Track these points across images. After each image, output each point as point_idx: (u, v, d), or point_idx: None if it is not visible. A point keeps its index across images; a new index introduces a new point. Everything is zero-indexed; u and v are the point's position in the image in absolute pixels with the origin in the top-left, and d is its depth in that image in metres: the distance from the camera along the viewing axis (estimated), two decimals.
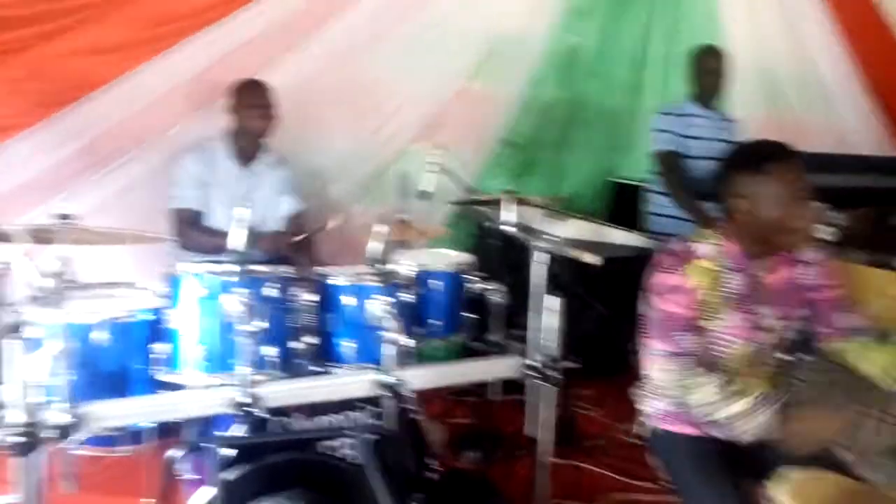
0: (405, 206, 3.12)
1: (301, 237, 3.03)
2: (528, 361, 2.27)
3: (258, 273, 2.01)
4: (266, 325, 1.93)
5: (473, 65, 4.10)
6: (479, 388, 3.05)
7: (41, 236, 1.85)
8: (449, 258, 2.74)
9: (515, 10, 4.13)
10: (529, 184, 4.44)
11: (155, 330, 2.05)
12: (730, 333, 1.89)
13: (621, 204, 4.42)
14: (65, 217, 1.83)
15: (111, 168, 3.30)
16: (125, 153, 3.32)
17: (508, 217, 2.48)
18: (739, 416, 1.76)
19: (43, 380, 1.76)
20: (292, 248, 3.06)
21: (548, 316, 2.24)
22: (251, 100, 3.08)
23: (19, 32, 3.04)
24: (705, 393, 1.81)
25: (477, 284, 2.59)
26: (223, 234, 3.01)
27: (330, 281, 2.22)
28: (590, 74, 4.48)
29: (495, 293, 2.58)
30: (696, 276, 1.87)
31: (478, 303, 2.62)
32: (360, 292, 2.17)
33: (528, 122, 4.39)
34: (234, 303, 1.89)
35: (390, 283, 2.12)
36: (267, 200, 3.21)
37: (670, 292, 1.88)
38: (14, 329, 1.83)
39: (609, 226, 2.86)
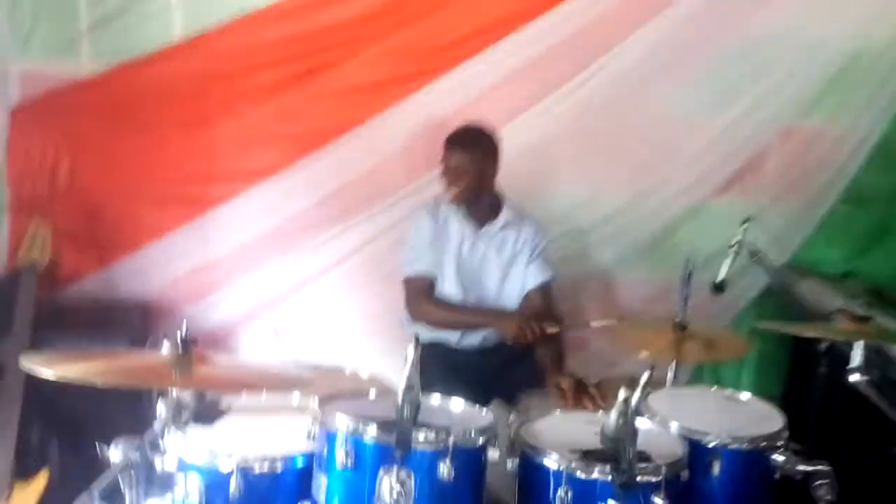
0: (688, 300, 2.25)
1: (554, 330, 2.38)
2: None
3: (426, 445, 1.38)
4: None
5: (810, 95, 3.05)
6: None
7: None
8: (743, 414, 1.77)
9: (883, 15, 2.96)
10: (877, 257, 3.22)
11: (305, 483, 1.55)
12: None
13: None
14: (186, 343, 1.41)
15: (356, 219, 2.98)
16: (372, 203, 2.97)
17: (860, 362, 1.54)
18: None
19: None
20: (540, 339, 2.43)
21: None
22: (446, 163, 2.52)
23: (272, 74, 2.86)
24: None
25: (789, 462, 1.65)
26: (461, 310, 2.55)
27: (542, 461, 1.49)
28: None
29: (820, 481, 1.61)
30: None
31: (786, 486, 1.68)
32: (586, 490, 1.40)
33: (884, 170, 3.15)
34: (387, 485, 1.30)
35: (633, 480, 1.32)
36: (504, 269, 2.61)
37: None
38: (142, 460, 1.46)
39: None
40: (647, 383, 1.42)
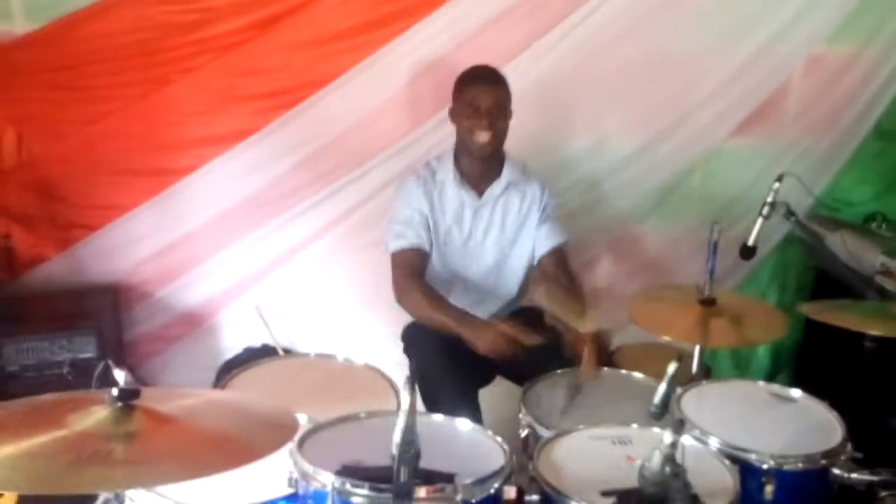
0: (714, 271, 1.98)
1: (534, 343, 2.01)
2: None
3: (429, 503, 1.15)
4: None
5: (836, 19, 2.74)
6: None
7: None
8: (795, 420, 1.53)
9: None
10: None
11: None
12: None
13: None
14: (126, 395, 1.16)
15: (337, 185, 2.68)
16: (353, 167, 2.67)
17: None
18: None
19: None
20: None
21: None
22: (472, 103, 2.18)
23: (233, 23, 2.51)
24: None
25: (850, 474, 1.43)
26: (441, 310, 2.14)
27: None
28: None
29: (887, 492, 1.41)
30: None
31: (846, 496, 1.48)
32: None
33: None
34: None
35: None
36: (513, 236, 2.34)
37: None
38: None
39: None
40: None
